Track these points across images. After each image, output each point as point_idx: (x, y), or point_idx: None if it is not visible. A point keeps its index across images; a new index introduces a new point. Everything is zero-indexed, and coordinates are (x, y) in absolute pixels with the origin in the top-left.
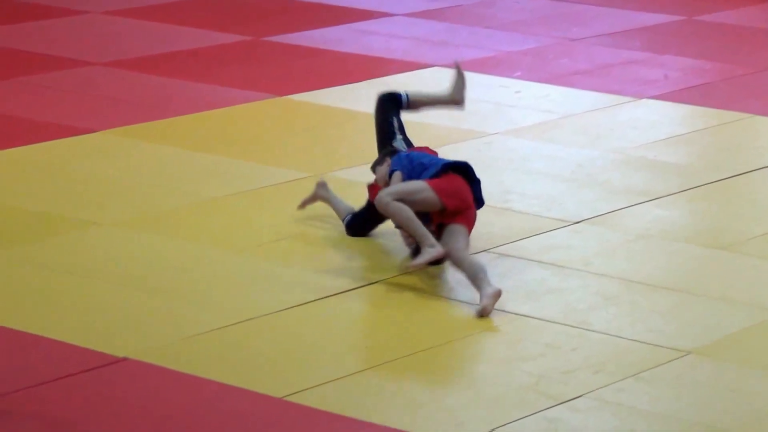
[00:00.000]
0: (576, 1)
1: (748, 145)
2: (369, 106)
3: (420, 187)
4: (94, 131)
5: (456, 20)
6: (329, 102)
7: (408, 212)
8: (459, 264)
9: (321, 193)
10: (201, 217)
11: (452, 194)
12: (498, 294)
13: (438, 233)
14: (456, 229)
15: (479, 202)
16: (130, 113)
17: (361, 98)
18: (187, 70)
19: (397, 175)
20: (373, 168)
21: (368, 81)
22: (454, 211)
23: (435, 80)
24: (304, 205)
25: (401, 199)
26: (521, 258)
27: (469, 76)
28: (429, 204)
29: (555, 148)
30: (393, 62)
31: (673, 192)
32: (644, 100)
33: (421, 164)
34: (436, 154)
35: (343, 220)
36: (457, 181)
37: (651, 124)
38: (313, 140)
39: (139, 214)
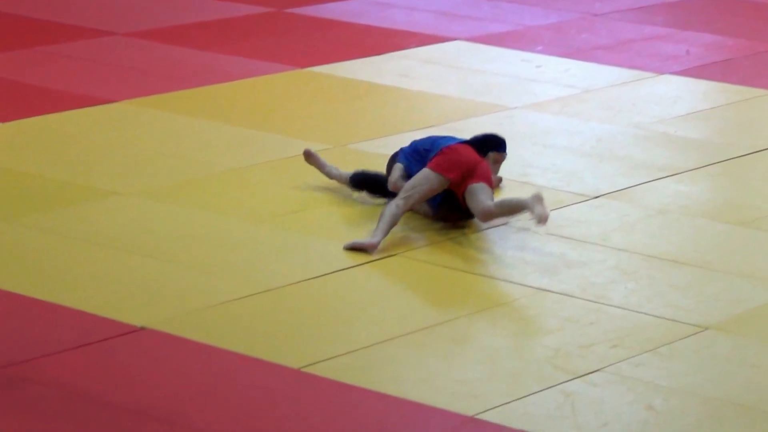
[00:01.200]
0: None
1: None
2: (390, 79)
3: (418, 180)
4: (115, 101)
5: None
6: (350, 74)
7: (393, 217)
8: (491, 215)
9: (313, 161)
10: (221, 188)
11: (452, 166)
12: (539, 196)
13: (464, 201)
14: (473, 189)
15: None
16: (151, 84)
17: (382, 71)
18: (209, 41)
19: (398, 166)
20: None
21: (390, 54)
22: (462, 178)
23: (456, 54)
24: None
25: (409, 196)
26: (539, 233)
27: (491, 50)
28: (437, 186)
29: (575, 122)
30: (414, 35)
31: (693, 167)
32: (665, 76)
33: (426, 150)
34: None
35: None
36: (454, 151)
37: (672, 99)
38: (334, 112)
39: (160, 184)
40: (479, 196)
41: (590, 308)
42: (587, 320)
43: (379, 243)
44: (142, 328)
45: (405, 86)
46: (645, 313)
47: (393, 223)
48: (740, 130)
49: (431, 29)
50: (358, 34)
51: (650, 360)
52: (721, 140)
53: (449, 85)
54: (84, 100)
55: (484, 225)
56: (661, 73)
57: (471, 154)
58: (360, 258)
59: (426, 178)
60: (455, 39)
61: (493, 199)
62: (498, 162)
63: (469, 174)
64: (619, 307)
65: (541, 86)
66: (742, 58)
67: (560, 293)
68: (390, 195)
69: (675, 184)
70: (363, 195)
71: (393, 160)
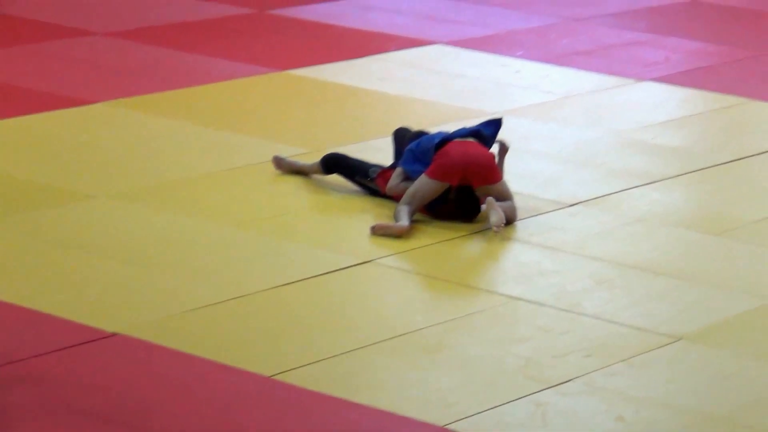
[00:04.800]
0: None
1: (748, 130)
2: (370, 83)
3: (417, 187)
4: (93, 102)
5: None
6: (330, 77)
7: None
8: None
9: (284, 165)
10: (199, 191)
11: (447, 171)
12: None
13: (460, 202)
14: (490, 199)
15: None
16: (130, 85)
17: (362, 74)
18: (189, 41)
19: (398, 170)
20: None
21: (370, 57)
22: (464, 180)
23: (436, 57)
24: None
25: (411, 203)
26: (516, 239)
27: (471, 54)
28: (435, 190)
29: (554, 128)
30: (395, 38)
31: (671, 175)
32: (646, 82)
33: (423, 151)
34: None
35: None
36: (451, 152)
37: (651, 106)
38: (313, 115)
39: (137, 187)
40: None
41: (564, 317)
42: (561, 329)
43: (408, 228)
44: (114, 334)
45: (384, 90)
46: (619, 323)
47: (412, 214)
48: (720, 138)
49: (412, 32)
50: (338, 37)
51: (623, 370)
52: (700, 148)
53: (429, 89)
54: (62, 101)
55: (471, 229)
56: (641, 79)
57: (469, 150)
58: (336, 264)
59: (424, 185)
60: (436, 42)
61: (505, 195)
62: (503, 151)
63: (472, 172)
64: (593, 317)
65: (520, 91)
66: (723, 65)
67: (534, 302)
68: (363, 185)
69: (653, 192)
70: (337, 179)
71: (398, 138)
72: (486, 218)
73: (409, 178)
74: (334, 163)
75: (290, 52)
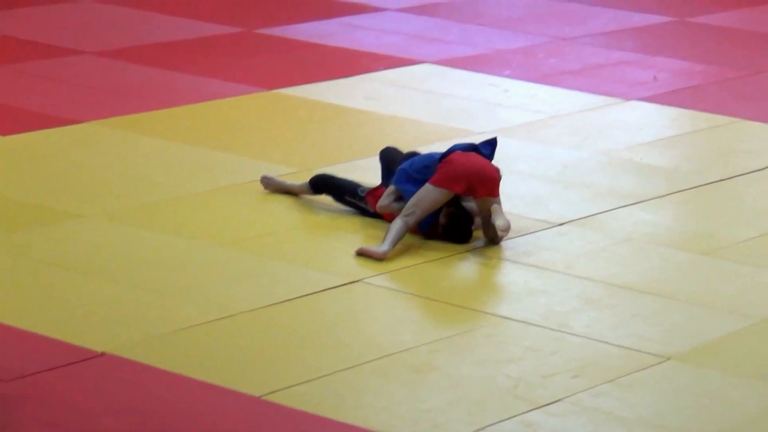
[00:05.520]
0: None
1: (735, 149)
2: (358, 102)
3: (420, 196)
4: (81, 122)
5: (448, 16)
6: (318, 96)
7: (398, 232)
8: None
9: (273, 185)
10: (187, 211)
11: (454, 179)
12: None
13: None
14: (496, 210)
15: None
16: (119, 104)
17: (350, 93)
18: (177, 61)
19: (390, 188)
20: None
21: (358, 76)
22: (469, 190)
23: (424, 77)
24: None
25: (412, 213)
26: (504, 259)
27: (459, 73)
28: (439, 200)
29: (542, 148)
30: (383, 57)
31: (658, 195)
32: (633, 102)
33: (419, 169)
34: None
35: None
36: (452, 163)
37: (639, 126)
38: (301, 135)
39: (125, 207)
40: (497, 216)
41: (552, 337)
42: (549, 349)
43: (387, 253)
44: (102, 354)
45: (372, 109)
46: (607, 343)
47: (400, 237)
48: (707, 158)
49: (399, 52)
50: (326, 56)
51: (611, 390)
52: (688, 168)
53: (417, 109)
54: (51, 120)
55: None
56: (629, 99)
57: (473, 160)
58: (324, 283)
59: (429, 193)
60: (423, 62)
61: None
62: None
63: (478, 182)
64: (581, 336)
65: (508, 111)
66: (710, 85)
67: (523, 321)
68: (353, 204)
69: (640, 211)
70: (326, 199)
71: (387, 158)
72: (479, 236)
73: (401, 197)
74: (322, 184)
75: (278, 71)
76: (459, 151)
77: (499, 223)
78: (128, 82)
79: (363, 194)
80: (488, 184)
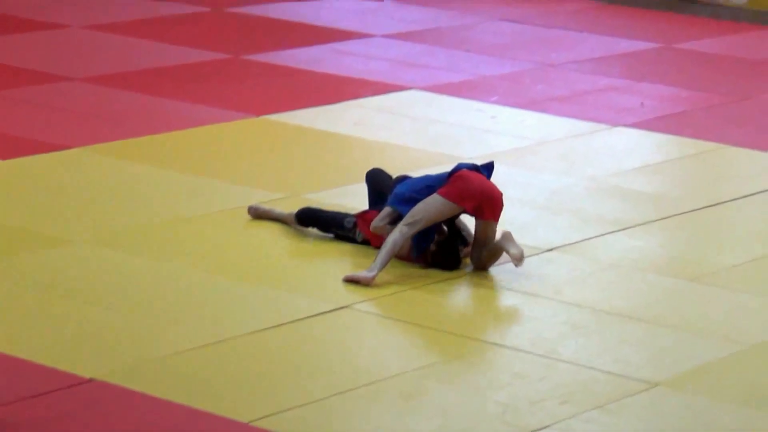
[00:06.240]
0: (556, 26)
1: (722, 176)
2: (345, 128)
3: (426, 206)
4: (69, 148)
5: (435, 42)
6: (306, 122)
7: (393, 245)
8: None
9: (260, 214)
10: (175, 237)
11: (465, 195)
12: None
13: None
14: (508, 237)
15: None
16: (106, 130)
17: (337, 119)
18: (165, 87)
19: (386, 210)
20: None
21: (345, 102)
22: (476, 210)
23: (411, 103)
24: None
25: (416, 222)
26: (492, 285)
27: (446, 99)
28: (445, 213)
29: (529, 174)
30: (370, 83)
31: (645, 221)
32: (620, 128)
33: (418, 190)
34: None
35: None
36: (466, 179)
37: (626, 152)
38: (288, 161)
39: (113, 232)
40: (502, 240)
41: (540, 363)
42: (537, 376)
43: (374, 277)
44: (91, 380)
45: (360, 135)
46: (595, 369)
47: (393, 253)
48: (693, 184)
49: (387, 78)
50: (313, 82)
51: (598, 417)
52: (674, 194)
53: (404, 135)
54: (39, 145)
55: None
56: (616, 125)
57: (483, 180)
58: (312, 309)
59: (437, 204)
60: (411, 88)
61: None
62: None
63: (487, 203)
64: (569, 362)
65: (495, 137)
66: (697, 111)
67: (511, 348)
68: (339, 235)
69: (627, 238)
70: (314, 231)
71: (374, 180)
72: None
73: (397, 220)
74: (307, 218)
75: (266, 97)
76: (466, 170)
77: (513, 252)
78: (117, 109)
79: (350, 225)
80: (496, 208)
